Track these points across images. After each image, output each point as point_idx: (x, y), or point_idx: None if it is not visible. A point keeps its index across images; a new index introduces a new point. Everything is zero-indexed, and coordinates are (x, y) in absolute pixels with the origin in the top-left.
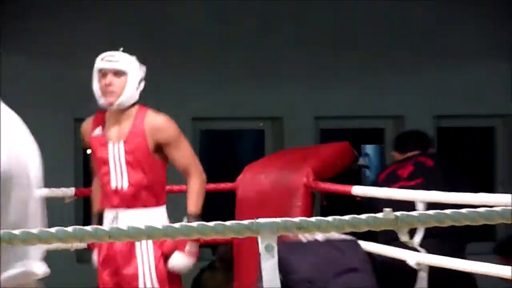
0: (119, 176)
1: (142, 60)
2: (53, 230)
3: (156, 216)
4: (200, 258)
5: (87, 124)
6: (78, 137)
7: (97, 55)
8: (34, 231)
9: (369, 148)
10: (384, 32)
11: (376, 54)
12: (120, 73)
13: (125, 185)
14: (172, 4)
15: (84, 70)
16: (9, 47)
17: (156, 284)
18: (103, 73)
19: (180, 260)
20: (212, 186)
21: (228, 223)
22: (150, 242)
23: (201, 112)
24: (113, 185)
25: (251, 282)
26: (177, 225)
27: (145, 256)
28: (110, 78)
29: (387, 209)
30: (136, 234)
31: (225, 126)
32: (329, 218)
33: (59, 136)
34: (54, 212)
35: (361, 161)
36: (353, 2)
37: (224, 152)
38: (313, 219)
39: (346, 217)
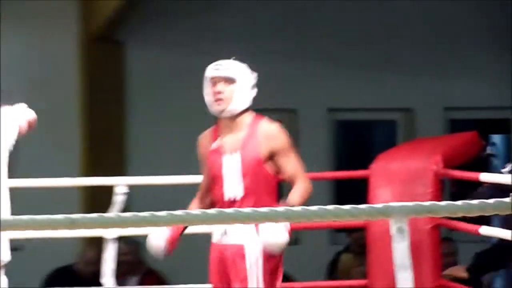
0: (234, 187)
1: (279, 53)
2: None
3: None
4: (335, 242)
5: (204, 138)
6: None
7: (235, 50)
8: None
9: (496, 138)
10: None
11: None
12: (230, 81)
13: (239, 196)
14: None
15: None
16: (142, 39)
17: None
18: (214, 81)
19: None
20: (346, 173)
21: (362, 206)
22: (259, 251)
23: (336, 103)
24: (227, 196)
25: (383, 264)
26: (314, 207)
27: (253, 266)
28: (220, 85)
29: None
30: (259, 216)
31: (359, 116)
32: (458, 202)
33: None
34: None
35: (489, 150)
36: None
37: (358, 142)
38: (442, 203)
39: (475, 202)
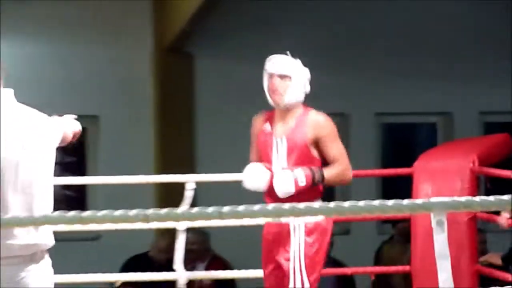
0: (279, 167)
1: (333, 64)
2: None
3: None
4: (381, 232)
5: (258, 119)
6: None
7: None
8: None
9: None
10: None
11: None
12: (285, 77)
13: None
14: (365, 9)
15: None
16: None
17: (303, 266)
18: (270, 75)
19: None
20: (392, 170)
21: (405, 201)
22: (302, 229)
23: (383, 107)
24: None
25: (425, 253)
26: (361, 203)
27: (296, 241)
28: (276, 80)
29: None
30: (312, 211)
31: (402, 120)
32: (491, 197)
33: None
34: None
35: None
36: None
37: (402, 142)
38: (476, 198)
39: (506, 197)
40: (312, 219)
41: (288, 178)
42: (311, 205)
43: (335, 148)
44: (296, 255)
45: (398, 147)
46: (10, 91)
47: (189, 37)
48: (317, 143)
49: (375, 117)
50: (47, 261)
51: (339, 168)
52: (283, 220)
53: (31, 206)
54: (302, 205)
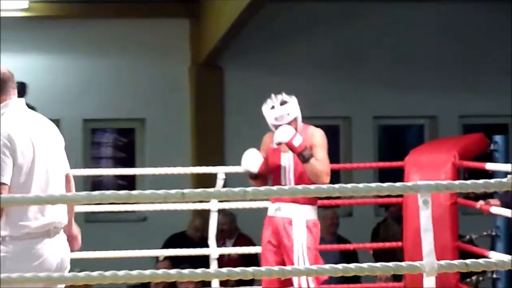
0: (287, 179)
1: (339, 75)
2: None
3: (309, 212)
4: (377, 214)
5: (268, 138)
6: None
7: (310, 74)
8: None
9: (498, 138)
10: None
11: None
12: (290, 123)
13: (292, 182)
14: (363, 31)
15: (300, 82)
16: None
17: (305, 254)
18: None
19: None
20: (387, 164)
21: (397, 184)
22: (303, 224)
23: (380, 112)
24: (283, 181)
25: (414, 232)
26: (361, 185)
27: (299, 233)
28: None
29: (509, 176)
30: (317, 191)
31: (396, 122)
32: (468, 182)
33: None
34: None
35: (492, 147)
36: None
37: (395, 141)
38: (456, 182)
39: (480, 181)
40: (311, 217)
41: (290, 130)
42: (320, 186)
43: (321, 155)
44: (299, 247)
45: (392, 145)
46: (22, 100)
47: (219, 53)
48: (311, 149)
49: (373, 120)
50: (61, 236)
51: (321, 166)
52: (284, 215)
53: (46, 190)
54: (312, 186)
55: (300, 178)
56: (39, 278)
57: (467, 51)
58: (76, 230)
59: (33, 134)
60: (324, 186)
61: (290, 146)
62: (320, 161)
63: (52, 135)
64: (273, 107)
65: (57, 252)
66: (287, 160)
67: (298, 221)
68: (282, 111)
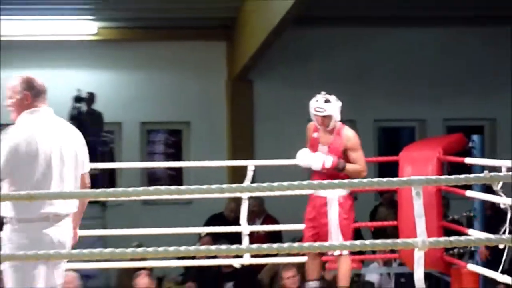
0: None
1: (349, 86)
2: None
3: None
4: (376, 199)
5: (311, 126)
6: None
7: (327, 86)
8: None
9: (475, 137)
10: None
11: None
12: (328, 117)
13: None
14: (368, 50)
15: (315, 93)
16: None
17: (337, 228)
18: (315, 114)
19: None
20: (385, 158)
21: (394, 179)
22: (336, 201)
23: (379, 116)
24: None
25: (408, 214)
26: (365, 180)
27: (333, 212)
28: (319, 117)
29: (486, 171)
30: (335, 185)
31: (392, 124)
32: (452, 176)
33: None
34: None
35: (470, 144)
36: None
37: (392, 139)
38: (442, 177)
39: (462, 176)
40: (343, 193)
41: (320, 158)
42: (332, 182)
43: (357, 155)
44: (333, 220)
45: (389, 143)
46: (51, 109)
47: (250, 69)
48: (345, 150)
49: (374, 123)
50: (63, 222)
51: (357, 167)
52: (320, 194)
53: (64, 179)
54: (326, 182)
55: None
56: (39, 256)
57: (450, 69)
58: (74, 224)
59: (54, 137)
60: (336, 181)
61: (324, 169)
62: (355, 161)
63: (73, 139)
64: (317, 101)
65: (54, 234)
66: (324, 150)
67: (332, 199)
68: (321, 105)
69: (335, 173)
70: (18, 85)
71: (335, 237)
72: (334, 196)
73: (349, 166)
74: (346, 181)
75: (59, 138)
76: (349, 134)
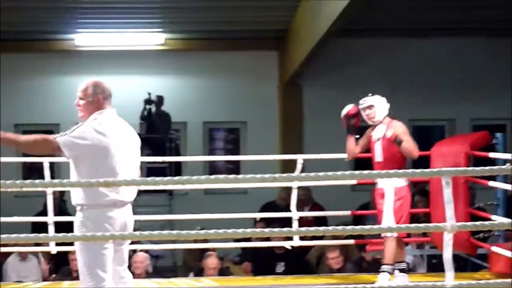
0: (378, 155)
1: (383, 88)
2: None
3: (397, 181)
4: (411, 189)
5: (370, 128)
6: None
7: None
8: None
9: (498, 135)
10: None
11: None
12: (371, 107)
13: (380, 160)
14: (399, 57)
15: (354, 95)
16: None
17: (391, 216)
18: (364, 110)
19: None
20: (421, 153)
21: (426, 170)
22: (392, 192)
23: (414, 115)
24: (375, 160)
25: (439, 201)
26: (400, 171)
27: (388, 200)
28: (367, 111)
29: (508, 164)
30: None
31: (425, 123)
32: (478, 168)
33: None
34: None
35: (494, 141)
36: None
37: (425, 136)
38: (469, 168)
39: (487, 168)
40: (399, 184)
41: (382, 128)
42: (371, 172)
43: (407, 138)
44: (386, 211)
45: (422, 139)
46: (114, 110)
47: (299, 75)
48: (396, 137)
49: (409, 122)
50: (129, 207)
51: (409, 146)
52: (379, 186)
53: (129, 170)
54: (365, 172)
55: (387, 155)
56: (109, 237)
57: (476, 74)
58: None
59: (120, 134)
60: (374, 172)
61: (385, 137)
62: (407, 142)
63: (133, 137)
64: (364, 100)
65: (122, 218)
66: (379, 146)
67: (388, 190)
68: (364, 99)
69: (391, 164)
70: (90, 88)
71: (387, 220)
72: (390, 187)
73: (404, 144)
74: (384, 172)
75: (124, 135)
76: (396, 125)
